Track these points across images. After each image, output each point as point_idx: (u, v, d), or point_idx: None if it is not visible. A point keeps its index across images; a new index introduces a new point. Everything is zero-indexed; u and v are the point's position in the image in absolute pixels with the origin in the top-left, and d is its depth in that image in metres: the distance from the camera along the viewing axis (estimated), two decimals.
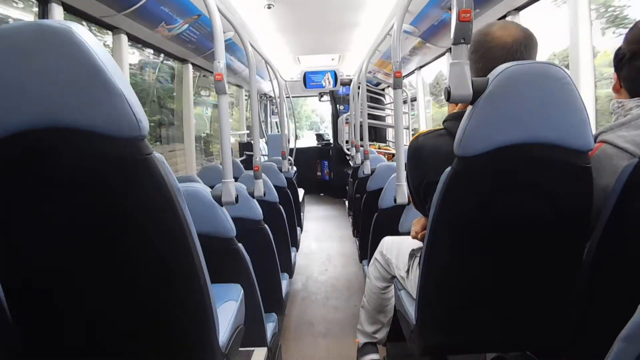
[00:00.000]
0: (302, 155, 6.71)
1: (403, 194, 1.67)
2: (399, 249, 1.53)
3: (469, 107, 0.90)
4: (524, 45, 1.01)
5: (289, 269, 2.67)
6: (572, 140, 0.89)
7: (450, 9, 2.08)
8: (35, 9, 1.75)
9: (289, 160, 3.54)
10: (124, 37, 2.24)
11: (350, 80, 5.33)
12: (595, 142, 0.97)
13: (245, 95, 5.69)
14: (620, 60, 1.02)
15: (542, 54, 1.94)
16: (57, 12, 1.68)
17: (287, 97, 4.51)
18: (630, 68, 1.00)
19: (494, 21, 1.08)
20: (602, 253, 0.93)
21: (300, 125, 5.65)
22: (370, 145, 3.91)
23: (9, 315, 0.85)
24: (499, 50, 1.02)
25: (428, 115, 4.53)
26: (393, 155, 4.80)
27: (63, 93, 0.71)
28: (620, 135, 0.97)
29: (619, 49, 1.03)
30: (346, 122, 5.67)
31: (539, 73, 0.88)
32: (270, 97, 7.08)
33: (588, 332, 0.99)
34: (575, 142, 0.90)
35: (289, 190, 3.12)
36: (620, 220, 0.89)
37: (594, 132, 0.97)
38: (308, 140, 6.60)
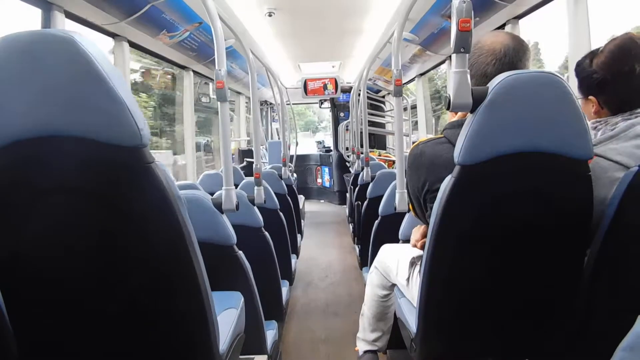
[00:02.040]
0: (302, 162, 6.72)
1: (403, 202, 1.67)
2: (399, 257, 1.53)
3: (469, 116, 0.91)
4: (513, 49, 1.02)
5: (289, 276, 2.67)
6: (571, 148, 0.90)
7: (450, 17, 2.10)
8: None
9: (289, 167, 3.55)
10: (126, 45, 2.26)
11: (351, 88, 5.35)
12: None
13: (245, 103, 5.70)
14: (598, 84, 1.06)
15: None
16: (60, 20, 1.69)
17: (287, 104, 4.52)
18: (614, 90, 1.04)
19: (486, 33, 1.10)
20: (602, 261, 0.93)
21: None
22: (370, 152, 3.91)
23: (8, 321, 0.85)
24: (488, 56, 1.03)
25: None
26: (393, 162, 4.81)
27: (65, 101, 0.72)
28: (612, 149, 1.00)
29: (594, 72, 1.06)
30: (346, 129, 5.68)
31: (539, 82, 0.88)
32: (270, 104, 7.10)
33: (588, 340, 0.99)
34: (575, 150, 0.90)
35: (289, 197, 3.12)
36: (620, 227, 0.89)
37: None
38: (304, 147, 6.51)
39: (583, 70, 1.09)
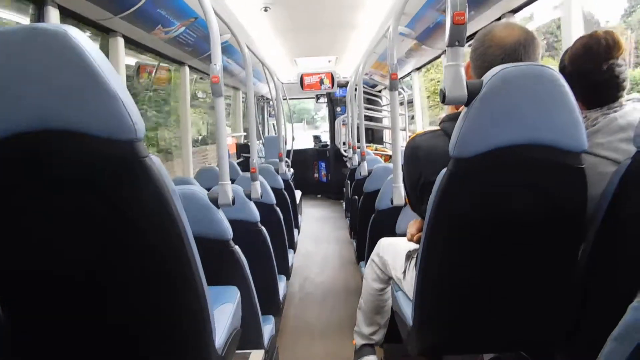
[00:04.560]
0: (299, 157, 6.71)
1: (400, 195, 1.67)
2: (395, 251, 1.53)
3: (464, 109, 0.91)
4: (523, 45, 1.02)
5: (286, 270, 2.67)
6: (565, 141, 0.90)
7: (445, 11, 2.08)
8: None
9: (286, 162, 3.54)
10: (121, 40, 2.24)
11: (347, 82, 5.34)
12: None
13: (242, 98, 5.68)
14: (570, 78, 1.07)
15: None
16: (54, 15, 1.67)
17: (284, 99, 4.50)
18: (582, 85, 1.06)
19: (500, 21, 1.10)
20: (597, 253, 0.94)
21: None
22: (367, 146, 3.91)
23: (2, 316, 0.85)
24: (496, 50, 1.03)
25: None
26: (390, 156, 4.81)
27: (59, 96, 0.72)
28: (597, 144, 1.01)
29: (564, 67, 1.09)
30: (343, 124, 5.66)
31: (532, 75, 0.88)
32: (267, 99, 7.07)
33: (582, 332, 1.00)
34: (568, 143, 0.90)
35: (285, 192, 3.12)
36: (614, 219, 0.90)
37: None
38: (301, 141, 6.43)
39: (561, 61, 1.12)
